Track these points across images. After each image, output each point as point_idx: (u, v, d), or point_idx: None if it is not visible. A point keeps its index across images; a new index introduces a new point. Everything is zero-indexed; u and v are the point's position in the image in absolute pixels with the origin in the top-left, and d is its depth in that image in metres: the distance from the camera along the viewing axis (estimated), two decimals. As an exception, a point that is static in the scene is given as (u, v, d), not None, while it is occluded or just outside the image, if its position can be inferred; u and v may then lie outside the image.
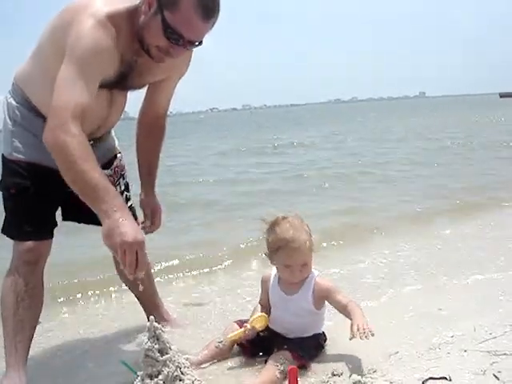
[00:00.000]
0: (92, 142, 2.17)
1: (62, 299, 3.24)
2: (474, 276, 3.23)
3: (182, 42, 1.86)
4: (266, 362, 2.06)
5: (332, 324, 2.35)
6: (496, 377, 1.85)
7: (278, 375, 1.95)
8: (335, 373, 2.00)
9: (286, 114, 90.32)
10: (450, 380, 1.85)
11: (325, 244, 4.09)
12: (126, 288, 2.70)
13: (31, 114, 2.06)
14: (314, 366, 2.12)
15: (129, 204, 2.47)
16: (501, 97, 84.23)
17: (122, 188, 2.43)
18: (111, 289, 3.29)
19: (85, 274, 3.64)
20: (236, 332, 2.18)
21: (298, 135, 21.04)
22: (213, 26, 1.89)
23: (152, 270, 2.78)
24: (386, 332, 2.40)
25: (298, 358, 2.06)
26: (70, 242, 4.14)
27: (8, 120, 2.10)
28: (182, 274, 3.69)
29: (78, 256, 4.20)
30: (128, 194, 2.48)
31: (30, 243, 2.04)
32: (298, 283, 2.20)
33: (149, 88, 2.31)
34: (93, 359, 2.42)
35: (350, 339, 1.97)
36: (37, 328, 2.13)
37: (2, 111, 2.13)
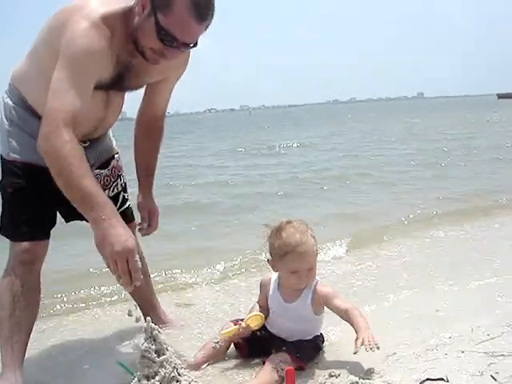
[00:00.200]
0: (88, 144, 2.19)
1: (58, 300, 3.23)
2: (471, 277, 3.23)
3: (176, 44, 1.85)
4: (263, 363, 2.04)
5: (331, 326, 2.35)
6: (493, 378, 1.85)
7: (276, 377, 1.94)
8: (333, 374, 1.99)
9: (284, 114, 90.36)
10: (448, 381, 1.85)
11: (323, 245, 4.08)
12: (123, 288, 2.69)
13: (27, 114, 2.05)
14: (311, 367, 2.11)
15: (126, 205, 2.47)
16: (499, 98, 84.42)
17: (120, 189, 2.43)
18: (108, 289, 3.29)
19: (82, 274, 3.63)
20: (230, 329, 2.17)
21: (296, 136, 21.02)
22: (207, 27, 1.87)
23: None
24: (383, 333, 2.40)
25: (297, 360, 2.05)
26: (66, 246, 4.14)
27: (5, 120, 2.10)
28: (175, 276, 3.66)
29: (76, 258, 4.20)
30: (125, 194, 2.48)
31: (26, 244, 2.03)
32: (298, 290, 2.17)
33: (147, 89, 2.30)
34: (89, 360, 2.41)
35: (355, 353, 1.95)
36: (33, 329, 2.12)
37: None
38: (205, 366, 2.16)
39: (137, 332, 2.57)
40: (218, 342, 2.19)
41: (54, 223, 2.17)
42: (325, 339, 2.25)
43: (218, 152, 15.76)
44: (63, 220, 2.27)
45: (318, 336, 2.23)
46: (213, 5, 1.85)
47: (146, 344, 1.75)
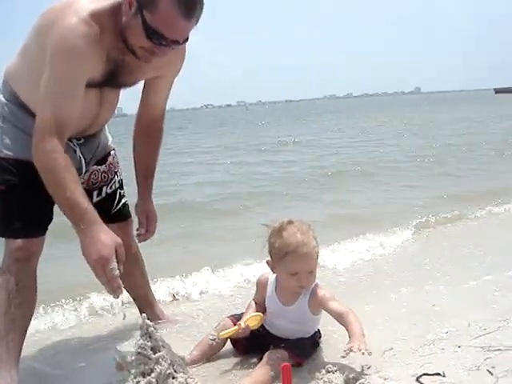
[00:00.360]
0: (83, 140, 2.18)
1: (53, 298, 3.21)
2: (468, 272, 3.24)
3: (165, 42, 1.82)
4: (260, 359, 2.03)
5: (328, 322, 2.34)
6: (490, 372, 1.85)
7: (272, 373, 1.93)
8: (329, 369, 1.98)
9: (282, 109, 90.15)
10: (444, 376, 1.86)
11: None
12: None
13: (20, 111, 2.04)
14: (308, 362, 2.11)
15: (122, 201, 2.47)
16: (496, 92, 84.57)
17: (117, 185, 2.42)
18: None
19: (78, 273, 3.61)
20: (229, 330, 2.16)
21: (292, 132, 20.99)
22: (197, 21, 1.83)
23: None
24: (380, 328, 2.40)
25: (295, 357, 2.04)
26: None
27: None
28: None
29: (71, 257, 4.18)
30: (122, 191, 2.47)
31: (20, 241, 2.02)
32: (295, 293, 2.12)
33: (144, 89, 2.28)
34: (85, 357, 2.40)
35: (343, 357, 1.88)
36: (29, 327, 2.11)
37: None
38: (201, 362, 2.15)
39: (133, 329, 2.58)
40: (214, 339, 2.17)
41: (50, 219, 2.14)
42: (322, 335, 2.25)
43: (211, 149, 15.56)
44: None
45: (316, 333, 2.22)
46: (200, 1, 1.81)
47: (141, 341, 1.75)
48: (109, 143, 2.43)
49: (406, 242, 4.17)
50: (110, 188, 2.38)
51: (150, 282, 2.74)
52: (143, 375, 1.73)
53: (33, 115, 1.90)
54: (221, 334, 2.15)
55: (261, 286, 2.27)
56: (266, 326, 2.22)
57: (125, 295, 2.71)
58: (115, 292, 1.80)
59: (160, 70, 2.16)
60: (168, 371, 1.74)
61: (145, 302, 2.68)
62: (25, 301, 2.05)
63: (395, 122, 23.70)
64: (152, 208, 2.41)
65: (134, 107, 2.39)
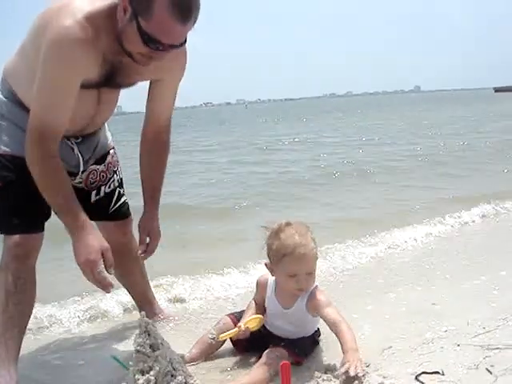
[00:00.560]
0: (81, 139, 2.19)
1: (52, 295, 3.21)
2: (467, 271, 3.24)
3: (161, 47, 1.79)
4: (259, 357, 2.03)
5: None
6: (489, 371, 1.85)
7: (271, 372, 1.93)
8: (328, 368, 1.99)
9: (281, 108, 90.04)
10: (443, 374, 1.85)
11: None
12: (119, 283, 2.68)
13: (17, 108, 2.04)
14: (307, 361, 2.11)
15: (122, 200, 2.45)
16: (495, 91, 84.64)
17: (116, 184, 2.41)
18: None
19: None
20: (229, 332, 2.15)
21: (291, 131, 20.97)
22: (194, 24, 1.80)
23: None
24: (379, 326, 2.41)
25: (295, 356, 2.05)
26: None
27: None
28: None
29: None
30: (121, 190, 2.46)
31: (18, 237, 2.00)
32: (293, 296, 2.11)
33: (147, 100, 2.23)
34: (83, 355, 2.40)
35: (336, 377, 1.86)
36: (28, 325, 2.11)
37: None
38: (200, 360, 2.16)
39: (132, 326, 2.58)
40: (214, 338, 2.17)
41: (48, 215, 2.13)
42: (321, 333, 2.25)
43: (209, 148, 15.43)
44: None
45: (315, 331, 2.22)
46: (196, 4, 1.76)
47: (140, 338, 1.74)
48: (108, 142, 2.42)
49: (405, 242, 4.16)
50: (109, 187, 2.37)
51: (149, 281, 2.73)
52: (142, 373, 1.72)
53: (29, 112, 1.90)
54: (220, 336, 2.15)
55: (260, 286, 2.26)
56: (267, 326, 2.22)
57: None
58: (104, 290, 1.91)
59: (159, 72, 2.11)
60: (167, 369, 1.74)
61: (144, 300, 2.68)
62: (24, 299, 2.04)
63: (394, 121, 23.63)
64: (155, 225, 2.30)
65: (133, 106, 2.40)
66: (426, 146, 12.20)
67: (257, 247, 2.18)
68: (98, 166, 2.31)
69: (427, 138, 14.43)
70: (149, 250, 2.28)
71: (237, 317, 2.26)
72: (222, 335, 2.14)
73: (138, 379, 1.72)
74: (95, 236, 1.89)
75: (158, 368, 1.72)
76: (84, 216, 1.89)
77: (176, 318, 2.72)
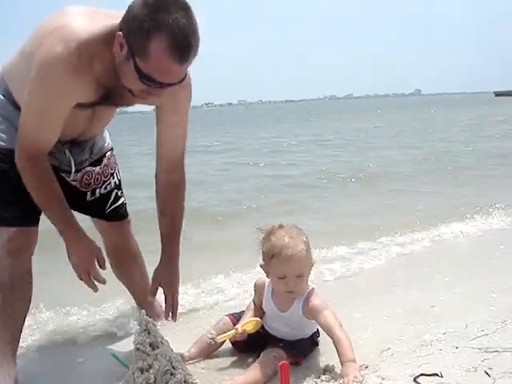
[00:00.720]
0: (69, 145, 2.16)
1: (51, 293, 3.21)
2: (466, 273, 3.25)
3: (159, 85, 1.72)
4: (258, 357, 2.04)
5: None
6: (487, 373, 1.85)
7: (268, 371, 1.94)
8: (327, 369, 2.00)
9: (281, 109, 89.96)
10: (442, 376, 1.86)
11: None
12: (118, 281, 2.68)
13: (12, 107, 2.01)
14: (305, 361, 2.11)
15: (119, 202, 2.43)
16: (496, 95, 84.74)
17: (113, 186, 2.38)
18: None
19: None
20: (227, 334, 2.16)
21: (291, 133, 20.92)
22: (192, 61, 1.71)
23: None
24: (377, 328, 2.41)
25: (293, 356, 2.05)
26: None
27: None
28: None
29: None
30: (119, 192, 2.43)
31: (11, 231, 1.96)
32: (290, 299, 2.11)
33: (156, 138, 2.14)
34: (83, 353, 2.40)
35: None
36: (26, 322, 2.10)
37: None
38: (199, 359, 2.16)
39: (131, 325, 2.58)
40: (213, 338, 2.17)
41: (40, 210, 2.07)
42: (319, 334, 2.25)
43: (208, 149, 15.03)
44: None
45: (314, 333, 2.22)
46: (196, 38, 1.68)
47: (140, 337, 1.75)
48: (106, 144, 2.38)
49: (404, 244, 4.16)
50: (105, 189, 2.35)
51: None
52: (141, 371, 1.73)
53: None
54: (218, 337, 2.15)
55: (258, 288, 2.27)
56: (266, 327, 2.22)
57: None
58: (94, 290, 1.99)
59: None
60: (166, 367, 1.74)
61: (143, 300, 2.68)
62: (20, 297, 2.01)
63: (393, 125, 23.54)
64: (171, 277, 2.15)
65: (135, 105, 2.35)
66: (423, 151, 12.04)
67: (254, 251, 2.18)
68: (93, 168, 2.27)
69: (425, 142, 14.30)
70: (167, 309, 2.15)
71: (236, 317, 2.27)
72: (220, 337, 2.15)
73: (138, 377, 1.73)
74: (86, 241, 1.94)
75: (157, 366, 1.73)
76: (75, 222, 1.93)
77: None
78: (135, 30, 1.64)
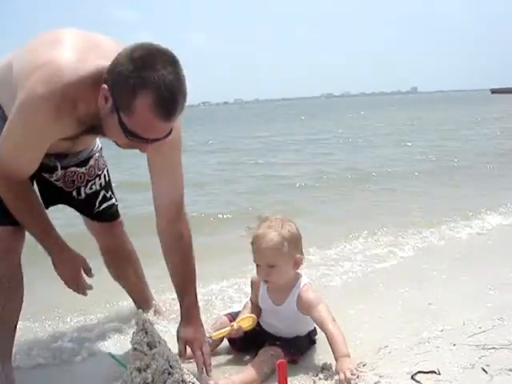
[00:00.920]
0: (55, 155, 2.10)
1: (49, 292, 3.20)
2: (464, 271, 3.25)
3: (144, 141, 1.66)
4: (255, 355, 2.05)
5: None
6: (484, 370, 1.86)
7: (266, 370, 1.95)
8: (325, 367, 2.00)
9: (278, 107, 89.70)
10: (439, 374, 1.86)
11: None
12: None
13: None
14: (303, 359, 2.12)
15: (107, 204, 2.40)
16: (492, 93, 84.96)
17: (98, 187, 2.34)
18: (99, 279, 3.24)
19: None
20: (222, 330, 2.17)
21: (285, 131, 20.77)
22: (178, 117, 1.65)
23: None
24: (375, 326, 2.42)
25: (290, 354, 2.06)
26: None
27: None
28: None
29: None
30: (107, 193, 2.40)
31: None
32: (284, 291, 2.13)
33: (152, 191, 2.05)
34: (81, 352, 2.40)
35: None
36: (24, 322, 2.09)
37: None
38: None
39: (130, 323, 2.58)
40: (210, 338, 2.18)
41: None
42: (317, 332, 2.25)
43: (196, 147, 14.44)
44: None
45: (311, 331, 2.23)
46: (183, 94, 1.61)
47: (137, 336, 1.75)
48: (94, 148, 2.32)
49: (402, 243, 4.16)
50: (90, 189, 2.31)
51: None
52: (139, 371, 1.73)
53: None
54: (213, 334, 2.16)
55: (255, 285, 2.28)
56: (262, 324, 2.23)
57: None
58: (84, 295, 2.04)
59: None
60: (164, 367, 1.74)
61: (140, 299, 2.69)
62: (11, 297, 1.97)
63: (390, 123, 23.46)
64: (194, 333, 2.02)
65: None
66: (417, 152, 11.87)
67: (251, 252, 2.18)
68: (78, 169, 2.24)
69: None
70: (199, 365, 1.99)
71: (234, 316, 2.28)
72: (215, 333, 2.16)
73: (135, 377, 1.72)
74: (69, 253, 1.95)
75: (155, 366, 1.72)
76: (57, 235, 1.93)
77: (175, 316, 2.71)
78: (121, 86, 1.58)
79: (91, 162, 2.30)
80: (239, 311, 2.30)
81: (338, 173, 8.74)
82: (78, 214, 2.44)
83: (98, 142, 2.37)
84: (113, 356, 2.00)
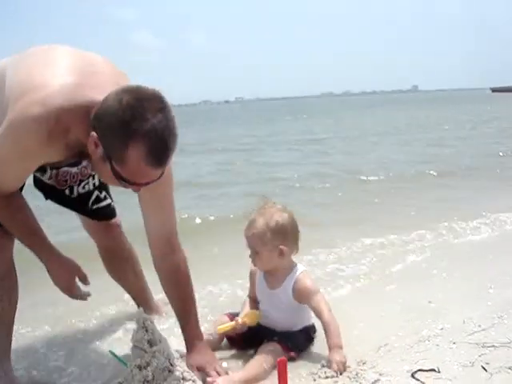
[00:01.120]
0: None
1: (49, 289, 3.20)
2: (464, 269, 3.26)
3: (137, 185, 1.67)
4: (255, 353, 2.06)
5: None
6: (484, 368, 1.87)
7: (266, 366, 1.96)
8: (325, 365, 2.00)
9: (278, 106, 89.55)
10: (439, 372, 1.87)
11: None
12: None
13: None
14: (303, 357, 2.13)
15: (101, 204, 2.39)
16: (493, 91, 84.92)
17: (91, 187, 2.32)
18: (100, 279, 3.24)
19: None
20: (227, 324, 2.18)
21: (284, 130, 20.66)
22: (170, 161, 1.65)
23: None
24: (375, 324, 2.42)
25: (288, 350, 2.07)
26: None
27: None
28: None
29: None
30: (101, 194, 2.38)
31: None
32: (280, 277, 2.19)
33: (144, 225, 2.03)
34: (81, 350, 2.41)
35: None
36: (24, 320, 2.09)
37: None
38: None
39: (130, 321, 2.58)
40: (211, 334, 2.19)
41: None
42: (316, 330, 2.26)
43: (194, 148, 13.96)
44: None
45: (309, 327, 2.25)
46: (174, 139, 1.60)
47: (138, 334, 1.75)
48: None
49: (401, 241, 4.16)
50: (83, 188, 2.30)
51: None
52: (139, 368, 1.74)
53: None
54: (218, 328, 2.17)
55: (253, 274, 2.34)
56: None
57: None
58: (83, 300, 2.02)
59: None
60: (164, 364, 1.75)
61: (139, 297, 2.69)
62: (5, 295, 1.96)
63: (390, 122, 23.30)
64: (203, 360, 1.99)
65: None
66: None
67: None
68: (70, 169, 2.21)
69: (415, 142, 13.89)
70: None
71: (234, 316, 2.28)
72: (220, 327, 2.18)
73: (136, 374, 1.73)
74: (63, 260, 1.92)
75: (155, 363, 1.73)
76: (50, 244, 1.90)
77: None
78: (111, 136, 1.57)
79: (84, 162, 2.23)
80: (239, 312, 2.31)
81: (338, 174, 8.65)
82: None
83: None
84: (114, 354, 2.00)
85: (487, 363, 1.90)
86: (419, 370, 1.89)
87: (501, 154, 9.92)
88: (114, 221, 2.48)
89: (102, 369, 2.13)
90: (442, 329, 2.28)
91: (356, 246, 4.04)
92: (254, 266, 2.24)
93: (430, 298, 2.70)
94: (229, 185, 8.08)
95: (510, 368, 1.84)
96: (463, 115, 24.96)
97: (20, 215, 1.86)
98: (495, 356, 1.95)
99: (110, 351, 2.00)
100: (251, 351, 2.14)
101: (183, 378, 1.78)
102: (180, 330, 2.08)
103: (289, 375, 1.77)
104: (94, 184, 2.33)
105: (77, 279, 1.96)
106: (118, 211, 2.52)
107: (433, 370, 1.88)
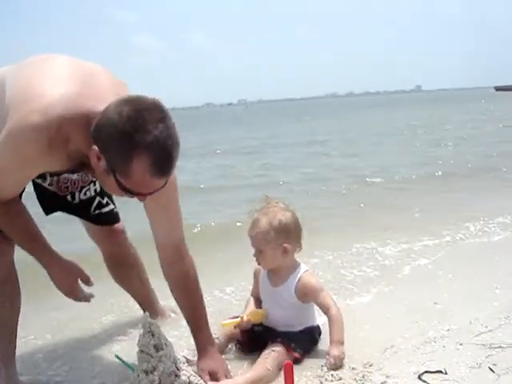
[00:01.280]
0: None
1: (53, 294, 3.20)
2: (469, 270, 3.24)
3: (141, 195, 1.68)
4: (259, 356, 2.06)
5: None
6: (491, 369, 1.86)
7: (270, 368, 1.96)
8: (325, 365, 2.00)
9: (281, 108, 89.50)
10: (446, 373, 1.87)
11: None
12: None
13: None
14: (309, 359, 2.12)
15: (104, 210, 2.39)
16: (496, 90, 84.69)
17: (93, 194, 2.32)
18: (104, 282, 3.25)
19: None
20: (232, 320, 2.20)
21: (285, 133, 20.59)
22: (174, 169, 1.66)
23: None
24: (381, 326, 2.41)
25: (291, 351, 2.07)
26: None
27: None
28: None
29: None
30: (102, 199, 2.37)
31: None
32: (284, 275, 2.21)
33: (152, 232, 2.03)
34: (87, 354, 2.41)
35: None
36: (28, 324, 2.09)
37: None
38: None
39: (136, 326, 2.58)
40: (217, 338, 2.20)
41: None
42: (321, 331, 2.25)
43: (194, 151, 13.93)
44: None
45: (313, 328, 2.25)
46: (177, 147, 1.60)
47: (144, 339, 1.75)
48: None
49: (407, 242, 4.15)
50: (84, 195, 2.30)
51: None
52: (146, 373, 1.74)
53: None
54: (223, 323, 2.20)
55: (256, 273, 2.36)
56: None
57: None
58: (87, 301, 1.99)
59: None
60: (171, 369, 1.75)
61: (144, 301, 2.69)
62: (7, 300, 1.97)
63: (393, 124, 23.18)
64: (213, 364, 1.98)
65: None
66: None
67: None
68: (71, 175, 2.21)
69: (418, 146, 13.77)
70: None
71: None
72: (224, 323, 2.20)
73: (142, 379, 1.74)
74: (63, 263, 1.90)
75: (161, 368, 1.73)
76: (50, 248, 1.89)
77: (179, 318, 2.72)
78: (114, 149, 1.56)
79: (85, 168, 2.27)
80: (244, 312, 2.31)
81: (339, 176, 8.62)
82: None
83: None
84: (120, 358, 2.00)
85: (494, 364, 1.89)
86: (426, 372, 1.88)
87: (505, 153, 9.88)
88: (117, 226, 2.48)
89: (109, 374, 2.13)
90: (448, 330, 2.28)
91: (360, 248, 4.03)
92: (258, 264, 2.26)
93: (436, 300, 2.69)
94: (230, 189, 8.05)
95: (517, 369, 1.83)
96: (465, 114, 24.86)
97: (19, 220, 1.86)
98: (502, 357, 1.94)
99: (117, 356, 2.00)
100: (255, 355, 2.13)
101: (189, 383, 1.78)
102: (186, 335, 2.08)
103: (295, 378, 1.76)
104: (95, 190, 2.33)
105: (80, 281, 1.95)
106: (122, 218, 2.51)
107: (440, 371, 1.88)
